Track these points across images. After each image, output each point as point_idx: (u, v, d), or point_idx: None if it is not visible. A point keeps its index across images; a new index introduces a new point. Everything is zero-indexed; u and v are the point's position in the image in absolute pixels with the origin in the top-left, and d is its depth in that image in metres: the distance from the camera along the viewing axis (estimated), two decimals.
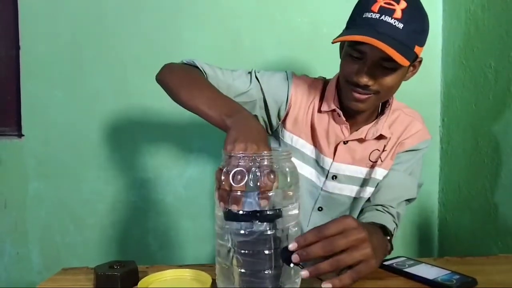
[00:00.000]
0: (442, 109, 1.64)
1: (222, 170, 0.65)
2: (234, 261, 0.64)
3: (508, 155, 1.25)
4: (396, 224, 0.98)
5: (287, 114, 1.05)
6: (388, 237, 0.80)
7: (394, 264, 0.83)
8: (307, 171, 1.06)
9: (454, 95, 1.56)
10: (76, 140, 1.63)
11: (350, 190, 1.03)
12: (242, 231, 0.64)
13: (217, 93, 0.89)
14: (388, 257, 0.88)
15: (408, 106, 1.10)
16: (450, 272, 0.78)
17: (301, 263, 0.62)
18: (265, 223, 0.63)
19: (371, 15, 0.85)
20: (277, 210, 0.64)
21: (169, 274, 0.79)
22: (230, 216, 0.64)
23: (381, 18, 0.84)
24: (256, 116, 1.02)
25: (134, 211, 1.66)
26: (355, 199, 1.04)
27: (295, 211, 0.68)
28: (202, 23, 1.60)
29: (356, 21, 0.89)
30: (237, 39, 1.61)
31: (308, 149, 1.06)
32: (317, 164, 1.06)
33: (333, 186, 1.05)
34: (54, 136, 1.63)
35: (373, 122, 1.03)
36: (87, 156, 1.64)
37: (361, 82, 0.89)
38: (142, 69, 1.60)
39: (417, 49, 0.89)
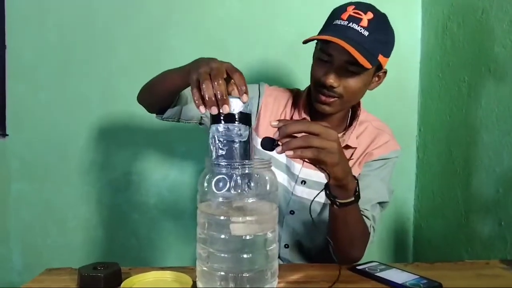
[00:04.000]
0: (419, 120, 1.70)
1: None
2: (214, 154, 0.71)
3: (477, 166, 1.31)
4: (373, 228, 1.01)
5: (258, 123, 1.12)
6: (356, 187, 0.85)
7: (366, 269, 0.87)
8: (279, 176, 1.10)
9: (430, 106, 1.62)
10: (60, 142, 1.64)
11: (320, 196, 1.05)
12: (223, 129, 0.72)
13: None
14: (361, 261, 0.93)
15: (379, 119, 1.15)
16: (418, 277, 0.83)
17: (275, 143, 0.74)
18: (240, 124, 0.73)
19: (340, 22, 0.93)
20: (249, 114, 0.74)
21: (151, 276, 0.82)
22: (217, 118, 0.73)
23: (348, 25, 0.92)
24: None
25: (118, 213, 1.68)
26: (325, 205, 1.07)
27: (275, 212, 0.73)
28: (190, 31, 1.63)
29: (326, 28, 0.98)
30: (223, 48, 1.64)
31: (280, 155, 1.10)
32: (288, 169, 1.11)
33: (301, 191, 1.09)
34: (38, 137, 1.64)
35: (341, 134, 1.08)
36: (71, 158, 1.65)
37: (327, 83, 0.96)
38: (128, 73, 1.62)
39: (381, 58, 0.96)
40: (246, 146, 0.73)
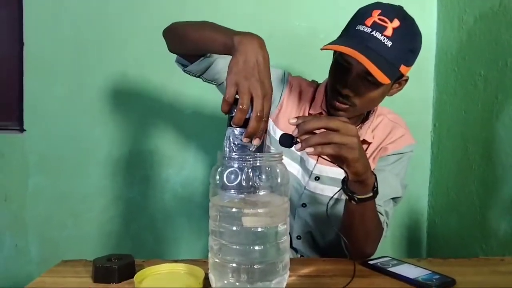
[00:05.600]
0: (433, 115, 1.68)
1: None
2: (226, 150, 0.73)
3: (494, 162, 1.29)
4: (387, 223, 1.01)
5: (278, 113, 1.11)
6: (375, 183, 0.84)
7: (378, 264, 0.87)
8: (294, 169, 1.10)
9: (445, 101, 1.60)
10: (77, 136, 1.66)
11: (332, 191, 1.02)
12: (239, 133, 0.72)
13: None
14: (373, 257, 0.92)
15: (392, 111, 1.13)
16: (431, 272, 0.82)
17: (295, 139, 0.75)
18: None
19: (364, 28, 0.89)
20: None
21: (164, 268, 0.83)
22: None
23: (371, 33, 0.88)
24: None
25: (132, 207, 1.70)
26: (337, 200, 1.06)
27: (286, 205, 0.73)
28: None
29: (349, 31, 0.93)
30: None
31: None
32: (303, 163, 1.10)
33: (315, 186, 1.09)
34: (55, 132, 1.66)
35: (357, 127, 1.06)
36: (87, 152, 1.67)
37: (343, 92, 0.94)
38: (142, 67, 1.64)
39: (403, 68, 0.92)
40: (260, 152, 0.73)
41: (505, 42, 1.25)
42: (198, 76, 1.03)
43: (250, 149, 0.73)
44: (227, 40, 0.79)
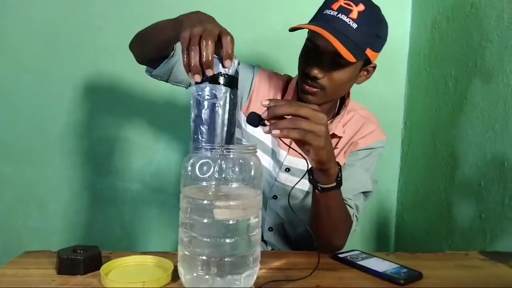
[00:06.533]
0: (405, 113, 1.71)
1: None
2: (192, 115, 0.71)
3: (461, 160, 1.33)
4: (356, 217, 1.02)
5: (248, 105, 1.11)
6: (339, 173, 0.85)
7: (348, 257, 0.88)
8: (265, 160, 1.10)
9: (417, 99, 1.63)
10: (43, 125, 1.60)
11: (302, 184, 1.04)
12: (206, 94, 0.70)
13: None
14: (342, 250, 0.93)
15: (365, 108, 1.15)
16: (399, 266, 0.84)
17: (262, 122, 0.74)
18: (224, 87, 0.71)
19: (330, 12, 0.92)
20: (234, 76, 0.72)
21: (132, 260, 0.81)
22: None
23: (337, 16, 0.91)
24: None
25: (100, 198, 1.65)
26: (308, 193, 1.08)
27: (259, 198, 0.72)
28: (178, 15, 1.61)
29: (316, 17, 0.97)
30: None
31: (267, 139, 1.11)
32: (274, 155, 1.11)
33: (285, 178, 1.10)
34: (21, 120, 1.60)
35: (329, 122, 1.07)
36: (54, 141, 1.62)
37: (311, 73, 0.95)
38: (114, 56, 1.59)
39: (369, 52, 0.95)
40: (225, 109, 0.71)
41: (475, 43, 1.28)
42: (166, 80, 1.05)
43: (218, 103, 0.70)
44: (174, 23, 0.82)
